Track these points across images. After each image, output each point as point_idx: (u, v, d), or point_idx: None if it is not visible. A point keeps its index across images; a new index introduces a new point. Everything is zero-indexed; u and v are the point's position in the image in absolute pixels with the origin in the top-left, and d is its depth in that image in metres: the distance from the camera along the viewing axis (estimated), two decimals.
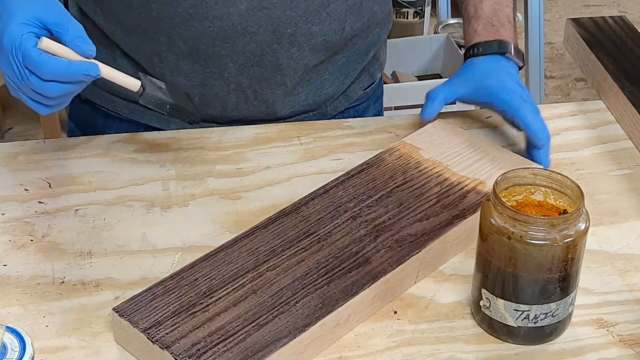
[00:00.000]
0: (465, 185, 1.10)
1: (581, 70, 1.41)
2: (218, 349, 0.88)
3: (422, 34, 3.06)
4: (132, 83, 1.02)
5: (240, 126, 1.26)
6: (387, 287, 0.98)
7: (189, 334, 0.90)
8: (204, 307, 0.93)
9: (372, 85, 1.38)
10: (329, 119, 1.31)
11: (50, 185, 1.14)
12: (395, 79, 2.72)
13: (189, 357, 0.88)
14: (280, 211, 1.06)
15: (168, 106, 1.05)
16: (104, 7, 1.24)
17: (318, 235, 1.02)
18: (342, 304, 0.93)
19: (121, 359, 0.93)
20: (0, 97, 2.82)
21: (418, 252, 1.00)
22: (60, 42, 0.97)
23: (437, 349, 0.94)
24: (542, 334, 0.95)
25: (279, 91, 1.25)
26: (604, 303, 1.00)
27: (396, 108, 2.41)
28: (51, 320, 0.97)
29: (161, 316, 0.92)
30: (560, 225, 0.89)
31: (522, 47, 1.41)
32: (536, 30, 2.57)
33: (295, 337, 0.90)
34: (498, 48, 1.22)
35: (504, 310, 0.93)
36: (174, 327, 0.91)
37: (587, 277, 1.01)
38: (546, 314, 0.93)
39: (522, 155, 1.16)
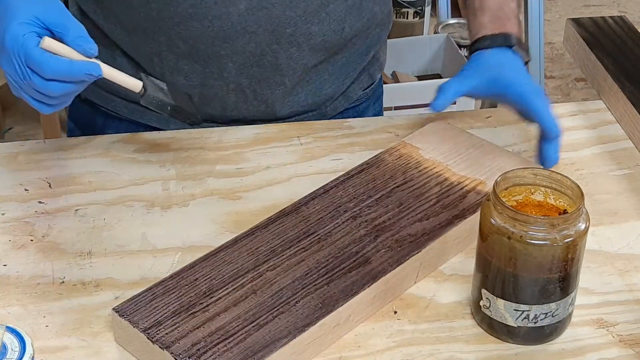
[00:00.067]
0: (465, 185, 1.10)
1: (581, 70, 1.40)
2: (218, 349, 0.88)
3: (422, 34, 3.05)
4: (133, 84, 1.02)
5: (240, 126, 1.26)
6: (387, 287, 0.98)
7: (189, 334, 0.90)
8: (204, 307, 0.93)
9: (372, 86, 1.38)
10: (328, 119, 1.31)
11: (50, 185, 1.14)
12: (395, 79, 2.71)
13: (189, 357, 0.88)
14: (280, 211, 1.06)
15: (169, 108, 1.04)
16: (104, 7, 1.24)
17: (318, 235, 1.02)
18: (342, 304, 0.93)
19: (121, 359, 0.93)
20: (0, 97, 2.82)
21: (418, 252, 1.00)
22: (62, 42, 0.97)
23: (437, 349, 0.94)
24: (542, 334, 0.95)
25: (278, 91, 1.25)
26: (604, 303, 1.00)
27: (396, 108, 2.41)
28: (51, 320, 0.96)
29: (161, 316, 0.92)
30: (560, 225, 0.89)
31: None
32: (536, 30, 2.57)
33: (295, 337, 0.90)
34: (505, 41, 1.20)
35: (504, 310, 0.93)
36: (174, 327, 0.91)
37: (587, 277, 1.01)
38: (546, 314, 0.93)
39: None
